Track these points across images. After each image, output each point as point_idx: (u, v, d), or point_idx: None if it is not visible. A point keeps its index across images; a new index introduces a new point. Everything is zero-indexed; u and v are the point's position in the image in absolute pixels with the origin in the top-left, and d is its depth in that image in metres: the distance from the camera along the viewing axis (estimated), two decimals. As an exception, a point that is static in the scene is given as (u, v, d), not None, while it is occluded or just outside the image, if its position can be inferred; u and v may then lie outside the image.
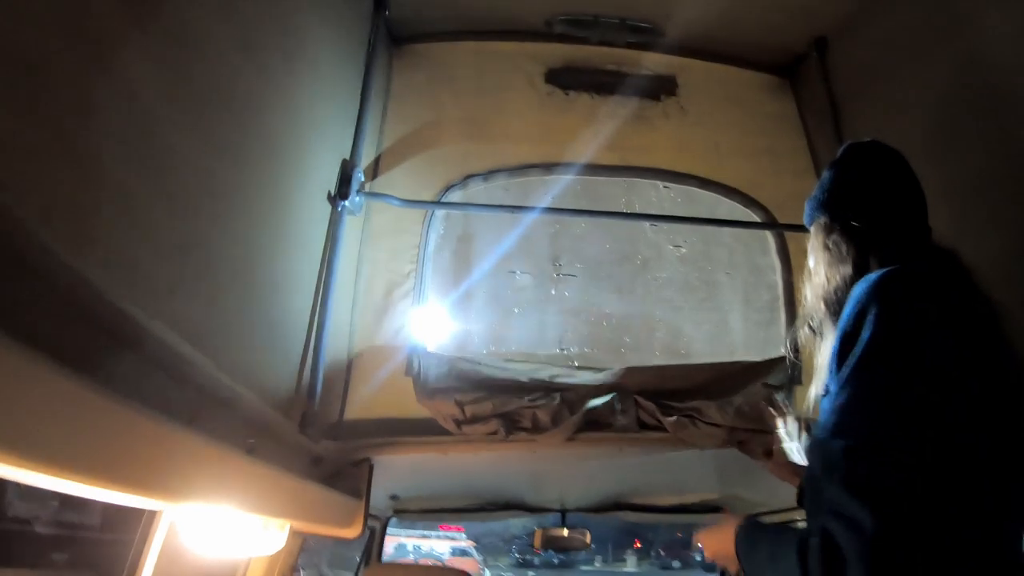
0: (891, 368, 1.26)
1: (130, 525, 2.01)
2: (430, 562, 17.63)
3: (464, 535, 23.20)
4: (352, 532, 2.41)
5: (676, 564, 30.74)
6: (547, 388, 2.44)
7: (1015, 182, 2.15)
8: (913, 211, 1.64)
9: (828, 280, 1.64)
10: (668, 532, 34.38)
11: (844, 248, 1.63)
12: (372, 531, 4.07)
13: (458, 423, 2.32)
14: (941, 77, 2.35)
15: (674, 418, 2.36)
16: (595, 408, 2.41)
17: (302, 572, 2.58)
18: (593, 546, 4.41)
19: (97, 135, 1.02)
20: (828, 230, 1.67)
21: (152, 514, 1.85)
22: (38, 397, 0.80)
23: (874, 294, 1.36)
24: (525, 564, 31.12)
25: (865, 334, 1.30)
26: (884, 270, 1.42)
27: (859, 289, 1.40)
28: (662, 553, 34.16)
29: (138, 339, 1.09)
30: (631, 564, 33.13)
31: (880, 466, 1.19)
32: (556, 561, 33.85)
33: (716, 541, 1.64)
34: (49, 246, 0.90)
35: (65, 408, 0.85)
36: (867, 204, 1.65)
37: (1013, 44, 2.03)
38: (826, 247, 1.67)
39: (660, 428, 2.43)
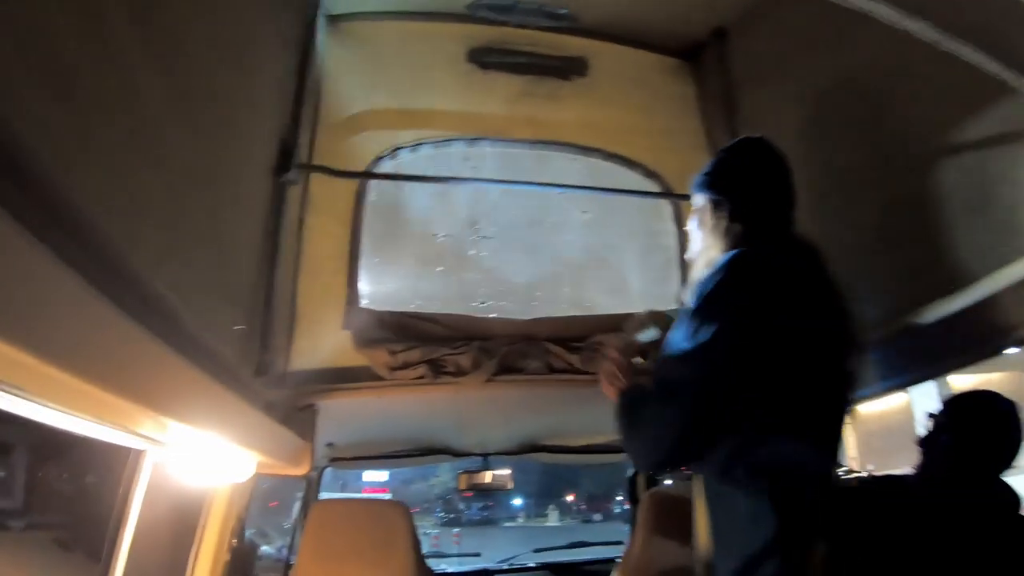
0: (707, 316, 1.70)
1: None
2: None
3: (389, 496, 23.38)
4: (301, 470, 2.67)
5: (597, 517, 31.45)
6: (467, 338, 2.71)
7: (867, 180, 2.52)
8: (781, 204, 2.01)
9: (707, 249, 2.02)
10: (589, 486, 35.19)
11: (723, 225, 1.98)
12: (309, 481, 4.33)
13: (391, 369, 2.61)
14: (820, 77, 2.66)
15: (581, 354, 2.71)
16: (509, 353, 2.73)
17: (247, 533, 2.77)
18: (512, 487, 4.64)
19: (102, 121, 1.19)
20: (713, 207, 2.01)
21: (136, 459, 2.07)
22: (63, 306, 0.96)
23: (724, 266, 1.76)
24: (450, 523, 31.50)
25: (705, 290, 1.74)
26: (740, 249, 1.84)
27: (720, 261, 1.80)
28: (583, 507, 34.99)
29: (132, 283, 1.26)
30: (553, 519, 33.74)
31: (675, 370, 1.74)
32: (478, 518, 34.38)
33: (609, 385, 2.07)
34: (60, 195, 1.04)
35: (86, 321, 1.01)
36: (746, 193, 2.00)
37: (877, 58, 2.33)
38: (706, 222, 2.03)
39: (568, 371, 2.76)
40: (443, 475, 34.69)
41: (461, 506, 36.92)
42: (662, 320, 2.19)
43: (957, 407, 2.39)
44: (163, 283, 1.41)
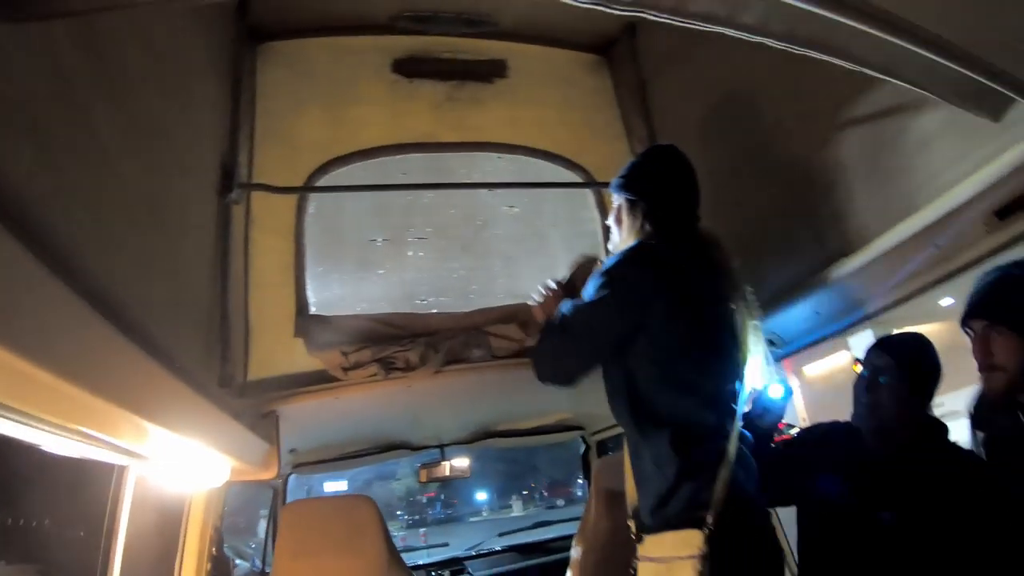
0: (604, 284, 2.17)
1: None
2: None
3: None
4: (270, 473, 2.78)
5: (560, 502, 31.61)
6: (413, 335, 2.84)
7: (770, 159, 2.75)
8: (685, 204, 2.39)
9: (624, 241, 2.40)
10: (549, 473, 35.38)
11: (637, 223, 2.37)
12: (275, 489, 4.44)
13: (344, 370, 2.73)
14: (722, 64, 2.85)
15: (523, 327, 2.92)
16: (454, 345, 2.89)
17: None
18: (470, 475, 4.79)
19: (67, 157, 1.30)
20: (628, 207, 2.39)
21: (120, 475, 2.19)
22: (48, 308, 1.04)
23: (625, 251, 2.25)
24: (415, 524, 31.42)
25: (607, 266, 2.22)
26: (640, 241, 2.30)
27: (624, 248, 2.29)
28: (545, 494, 35.15)
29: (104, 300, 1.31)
30: (517, 509, 33.83)
31: (574, 315, 2.22)
32: (443, 516, 34.35)
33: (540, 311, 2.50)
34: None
35: (72, 326, 1.10)
36: (656, 196, 2.38)
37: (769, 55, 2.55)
38: (623, 219, 2.41)
39: (512, 356, 2.95)
40: (404, 477, 34.62)
41: (425, 505, 36.91)
42: (592, 264, 2.53)
43: (895, 348, 2.63)
44: (131, 302, 1.51)
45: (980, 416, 2.44)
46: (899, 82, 1.86)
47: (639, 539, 2.15)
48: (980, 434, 2.55)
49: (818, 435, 2.81)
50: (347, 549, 2.85)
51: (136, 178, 1.69)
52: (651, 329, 2.15)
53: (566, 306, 2.27)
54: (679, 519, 2.01)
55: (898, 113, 2.23)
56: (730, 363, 2.20)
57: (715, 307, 2.23)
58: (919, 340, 2.59)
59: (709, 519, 1.91)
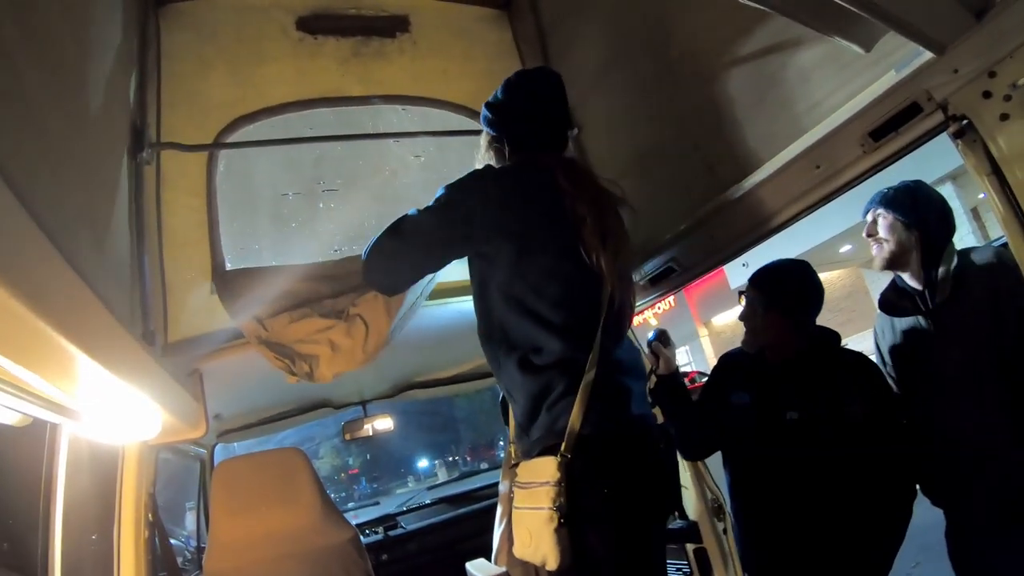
0: (440, 197, 2.29)
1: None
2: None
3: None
4: (198, 432, 2.79)
5: (484, 465, 31.90)
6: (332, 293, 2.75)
7: (663, 95, 2.89)
8: (538, 128, 2.47)
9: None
10: (468, 438, 35.66)
11: (492, 149, 2.52)
12: (202, 460, 4.46)
13: (260, 340, 2.64)
14: (612, 20, 3.02)
15: None
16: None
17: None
18: (393, 429, 4.86)
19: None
20: (488, 137, 2.52)
21: (53, 435, 2.18)
22: None
23: (469, 174, 2.34)
24: (342, 502, 31.27)
25: (450, 183, 2.32)
26: (487, 165, 2.44)
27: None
28: (468, 459, 35.46)
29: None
30: (442, 475, 34.03)
31: (407, 220, 2.30)
32: (370, 491, 34.33)
33: None
34: None
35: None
36: (499, 123, 2.50)
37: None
38: (484, 147, 2.55)
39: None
40: (326, 456, 34.47)
41: (350, 482, 36.81)
42: None
43: (761, 279, 2.86)
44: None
45: (886, 299, 2.83)
46: (778, 14, 2.02)
47: (516, 465, 2.24)
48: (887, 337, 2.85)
49: (725, 363, 3.04)
50: (282, 500, 2.92)
51: (58, 132, 1.70)
52: (487, 252, 2.24)
53: (409, 212, 2.35)
54: (538, 446, 2.12)
55: (779, 50, 2.40)
56: (583, 294, 2.21)
57: (564, 235, 2.24)
58: (783, 267, 2.93)
59: (563, 447, 2.00)
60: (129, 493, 2.67)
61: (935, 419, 2.61)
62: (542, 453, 2.07)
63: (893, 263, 2.70)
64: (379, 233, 2.35)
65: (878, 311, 2.88)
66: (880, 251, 2.74)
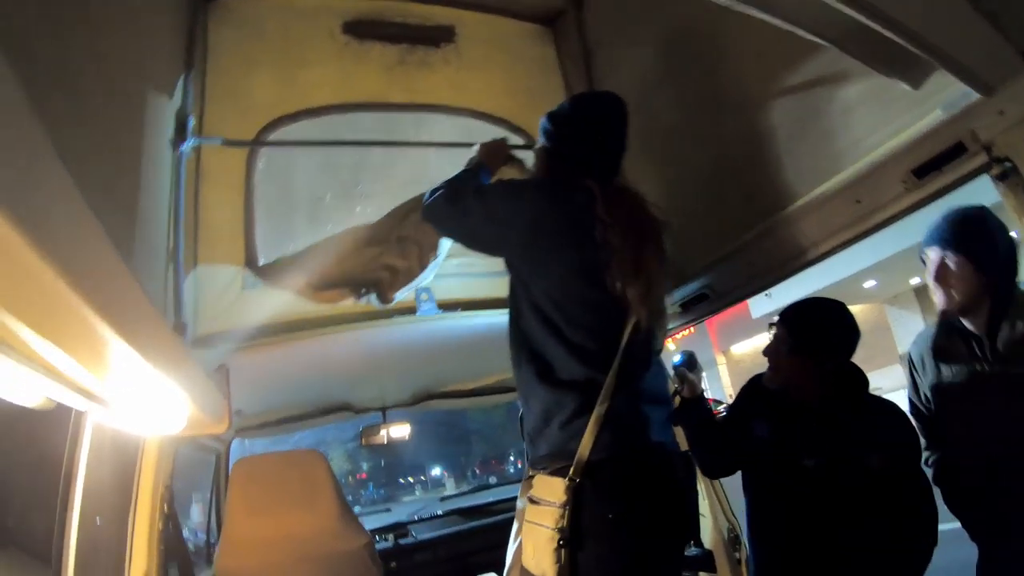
0: (492, 188, 2.43)
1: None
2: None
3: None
4: (222, 427, 2.79)
5: (492, 480, 31.80)
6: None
7: (705, 121, 2.88)
8: (589, 147, 2.47)
9: None
10: (480, 451, 35.58)
11: (539, 165, 2.57)
12: (218, 455, 4.45)
13: (314, 289, 2.87)
14: (661, 34, 3.00)
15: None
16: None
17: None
18: (409, 438, 4.87)
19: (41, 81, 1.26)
20: (543, 152, 2.54)
21: (78, 422, 2.18)
22: None
23: (519, 179, 2.50)
24: (351, 503, 31.19)
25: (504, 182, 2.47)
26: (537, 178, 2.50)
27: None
28: (477, 472, 35.32)
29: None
30: (450, 487, 33.97)
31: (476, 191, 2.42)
32: (376, 497, 34.30)
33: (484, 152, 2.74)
34: None
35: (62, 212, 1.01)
36: (560, 136, 2.50)
37: (708, 14, 2.63)
38: (536, 161, 2.58)
39: (454, 307, 3.07)
40: (337, 459, 34.42)
41: (357, 487, 36.75)
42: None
43: (791, 317, 2.80)
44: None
45: (937, 344, 2.66)
46: (828, 45, 2.00)
47: (532, 477, 2.23)
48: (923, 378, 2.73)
49: (751, 388, 2.99)
50: (300, 502, 2.91)
51: (106, 118, 1.71)
52: (520, 262, 2.31)
53: (484, 180, 2.52)
54: (547, 463, 2.13)
55: (826, 82, 2.41)
56: (607, 320, 2.21)
57: (596, 261, 2.23)
58: (816, 309, 2.81)
59: (571, 471, 2.01)
60: (147, 484, 2.67)
61: (983, 461, 2.49)
62: (555, 473, 2.07)
63: (963, 312, 2.49)
64: (461, 181, 2.52)
65: (913, 345, 2.77)
66: (948, 300, 2.49)
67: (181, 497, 4.88)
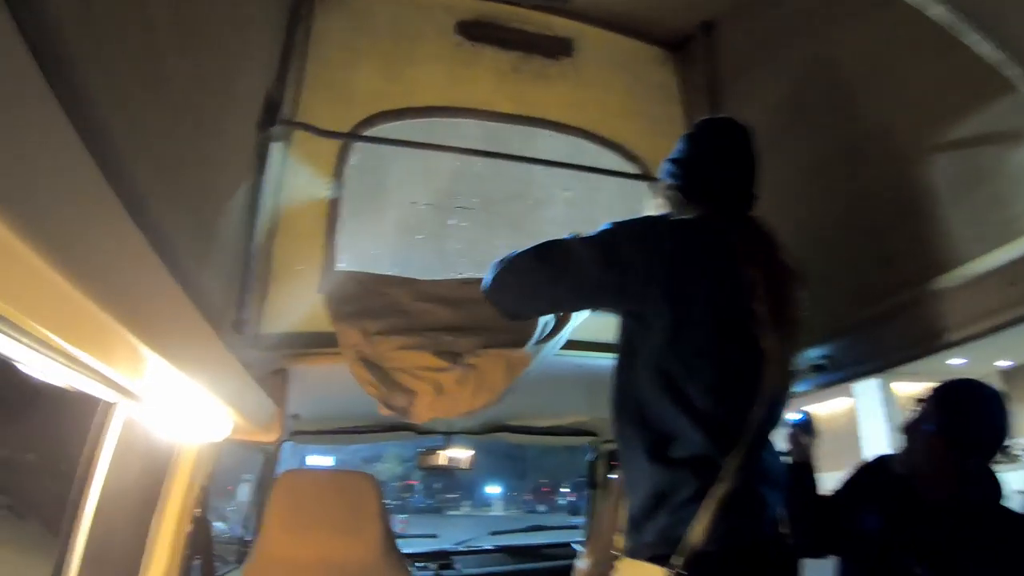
0: (601, 232, 2.03)
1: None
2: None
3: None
4: (271, 436, 2.63)
5: (542, 508, 31.65)
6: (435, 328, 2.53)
7: (843, 168, 2.63)
8: (716, 182, 2.18)
9: None
10: (533, 477, 35.43)
11: (666, 203, 2.24)
12: (267, 454, 4.29)
13: (359, 356, 2.46)
14: (801, 67, 2.75)
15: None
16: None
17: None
18: (471, 469, 4.68)
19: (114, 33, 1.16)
20: (665, 185, 2.26)
21: (105, 412, 2.01)
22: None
23: (637, 218, 2.12)
24: (396, 510, 31.52)
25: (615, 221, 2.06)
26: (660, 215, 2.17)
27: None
28: (528, 498, 35.20)
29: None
30: (498, 508, 33.96)
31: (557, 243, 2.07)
32: (423, 506, 34.47)
33: None
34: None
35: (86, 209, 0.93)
36: (684, 173, 2.22)
37: (853, 51, 2.44)
38: (660, 196, 2.29)
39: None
40: (388, 462, 34.69)
41: (403, 492, 36.92)
42: None
43: (942, 395, 2.46)
44: (155, 215, 1.36)
45: None
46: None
47: (618, 557, 1.98)
48: None
49: (869, 469, 2.66)
50: (343, 529, 2.70)
51: (184, 86, 1.56)
52: (642, 313, 1.96)
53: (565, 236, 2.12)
54: (647, 550, 1.82)
55: (1002, 140, 2.09)
56: (739, 380, 1.90)
57: (732, 307, 1.94)
58: (969, 390, 2.46)
59: (677, 561, 1.71)
60: (179, 484, 2.48)
61: None
62: (653, 560, 1.77)
63: None
64: (520, 249, 2.12)
65: None
66: None
67: (230, 478, 4.74)
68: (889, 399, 12.77)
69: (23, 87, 0.76)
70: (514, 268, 2.11)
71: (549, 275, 2.05)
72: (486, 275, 2.17)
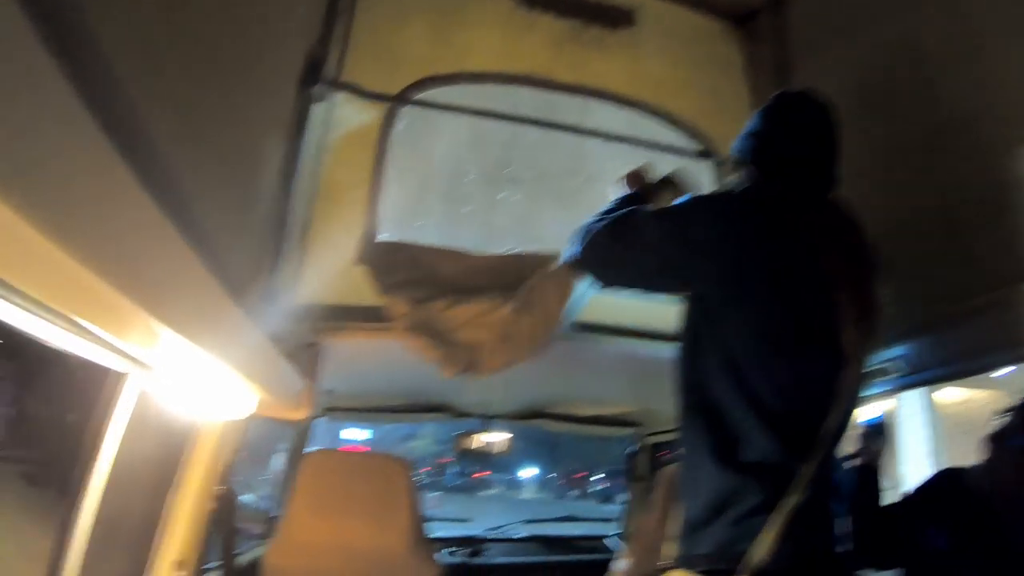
0: (682, 206, 1.96)
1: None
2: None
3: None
4: (300, 413, 2.51)
5: (573, 493, 31.62)
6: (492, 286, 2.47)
7: (907, 172, 2.50)
8: (789, 158, 2.01)
9: None
10: (567, 463, 35.36)
11: (739, 180, 2.07)
12: (299, 430, 4.18)
13: (412, 323, 2.38)
14: (880, 48, 2.57)
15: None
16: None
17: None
18: (509, 454, 4.57)
19: None
20: (735, 164, 2.10)
21: (116, 383, 1.91)
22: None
23: (711, 193, 2.15)
24: (427, 487, 31.73)
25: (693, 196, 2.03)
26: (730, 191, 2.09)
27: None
28: (561, 483, 35.15)
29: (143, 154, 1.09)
30: (529, 492, 34.02)
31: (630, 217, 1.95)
32: (455, 485, 34.60)
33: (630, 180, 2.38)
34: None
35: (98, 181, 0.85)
36: (754, 146, 2.06)
37: (938, 32, 2.27)
38: (730, 177, 2.19)
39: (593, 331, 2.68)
40: (424, 439, 34.86)
41: (435, 471, 37.11)
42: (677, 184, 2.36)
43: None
44: (178, 177, 1.25)
45: None
46: None
47: (666, 567, 1.81)
48: None
49: (941, 483, 2.46)
50: (371, 515, 2.61)
51: (214, 32, 1.43)
52: (711, 297, 1.81)
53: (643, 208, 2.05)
54: (703, 562, 1.68)
55: None
56: (816, 381, 1.73)
57: (812, 299, 1.78)
58: None
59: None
60: (198, 464, 2.34)
61: None
62: (708, 574, 1.63)
63: None
64: (597, 218, 2.03)
65: None
66: None
67: (265, 446, 4.66)
68: (928, 405, 12.51)
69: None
70: (595, 249, 1.99)
71: (630, 253, 1.95)
72: (567, 247, 2.09)
